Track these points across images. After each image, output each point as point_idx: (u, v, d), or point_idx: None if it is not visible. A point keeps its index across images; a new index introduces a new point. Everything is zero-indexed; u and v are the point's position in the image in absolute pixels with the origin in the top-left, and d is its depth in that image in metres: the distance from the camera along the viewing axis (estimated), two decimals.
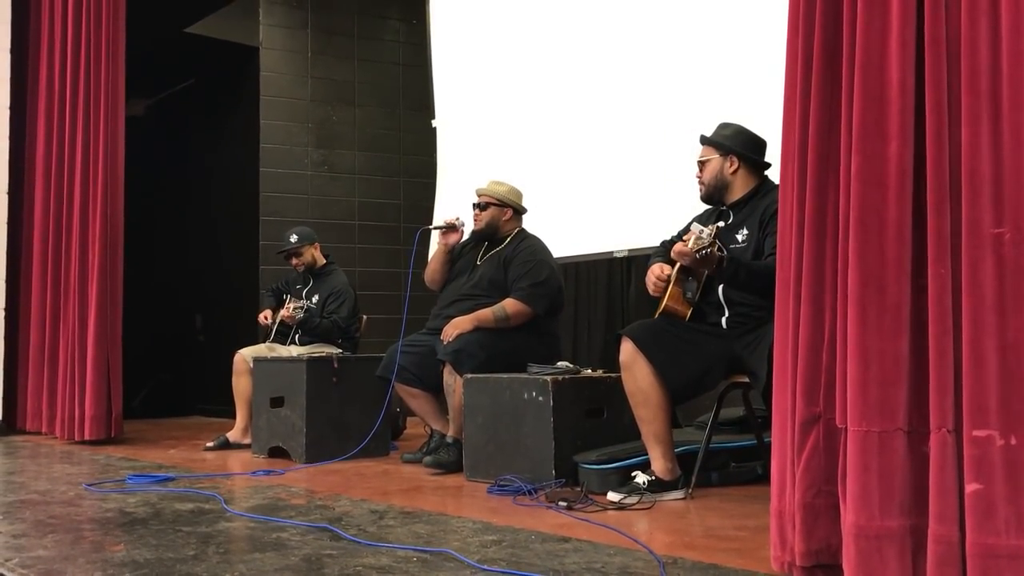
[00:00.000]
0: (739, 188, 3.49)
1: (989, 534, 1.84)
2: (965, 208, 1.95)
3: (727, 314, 3.39)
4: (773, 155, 3.46)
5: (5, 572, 2.42)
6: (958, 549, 1.90)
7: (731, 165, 3.49)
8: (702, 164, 3.54)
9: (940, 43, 2.02)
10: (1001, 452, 1.85)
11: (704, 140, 3.57)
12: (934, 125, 2.01)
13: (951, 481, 1.92)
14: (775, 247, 3.18)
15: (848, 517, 2.01)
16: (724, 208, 3.54)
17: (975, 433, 1.88)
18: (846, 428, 2.06)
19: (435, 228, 4.85)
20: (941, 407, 1.94)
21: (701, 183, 3.55)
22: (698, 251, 3.09)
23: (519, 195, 4.64)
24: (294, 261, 5.56)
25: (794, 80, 2.30)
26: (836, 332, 2.14)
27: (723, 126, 3.57)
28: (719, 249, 3.18)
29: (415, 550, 2.58)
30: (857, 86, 2.11)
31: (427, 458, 4.24)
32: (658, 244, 3.78)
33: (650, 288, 3.50)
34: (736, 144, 3.49)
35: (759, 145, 3.51)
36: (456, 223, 4.68)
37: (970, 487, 1.88)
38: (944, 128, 2.00)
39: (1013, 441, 1.85)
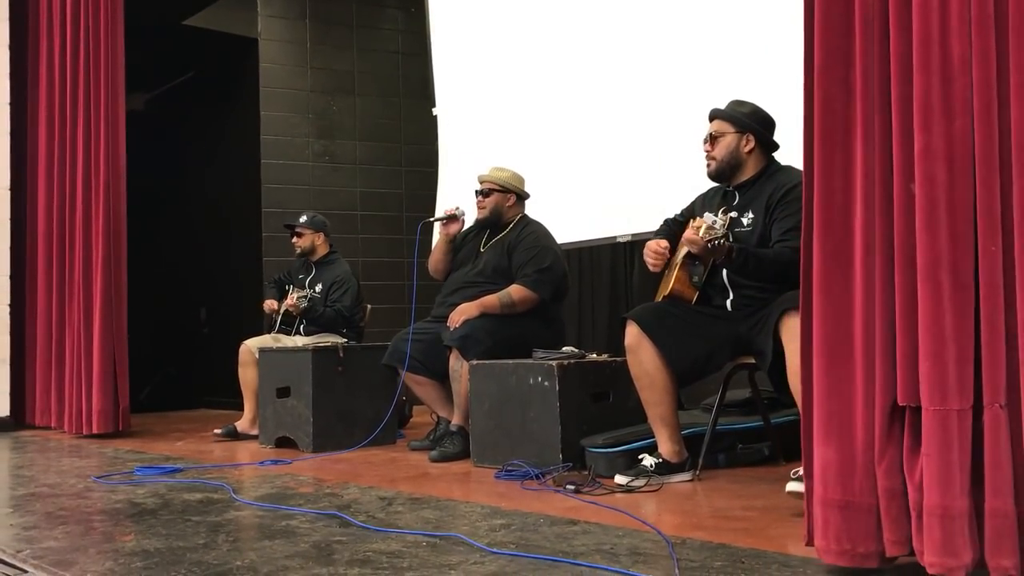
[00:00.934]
0: (750, 168, 3.40)
1: None
2: (1017, 185, 1.93)
3: (731, 296, 3.37)
4: (781, 136, 3.45)
5: (17, 563, 2.43)
6: (1014, 521, 1.91)
7: (747, 143, 3.38)
8: (715, 139, 3.41)
9: (988, 18, 2.00)
10: None
11: (719, 114, 3.45)
12: (983, 101, 1.98)
13: (1005, 455, 1.93)
14: (784, 232, 3.19)
15: (931, 498, 1.97)
16: (730, 189, 3.46)
17: None
18: (919, 407, 2.02)
19: (436, 220, 4.84)
20: (993, 383, 1.94)
21: (711, 158, 3.42)
22: (709, 241, 3.07)
23: (521, 180, 4.64)
24: (294, 240, 5.59)
25: (848, 52, 2.20)
26: (898, 311, 2.08)
27: (739, 103, 3.45)
28: (728, 238, 3.15)
29: (424, 535, 2.59)
30: (916, 61, 2.06)
31: (433, 453, 4.24)
32: (661, 223, 3.73)
33: (648, 262, 3.45)
34: (754, 122, 3.39)
35: (772, 126, 3.42)
36: (456, 212, 4.68)
37: None
38: (994, 104, 1.98)
39: None
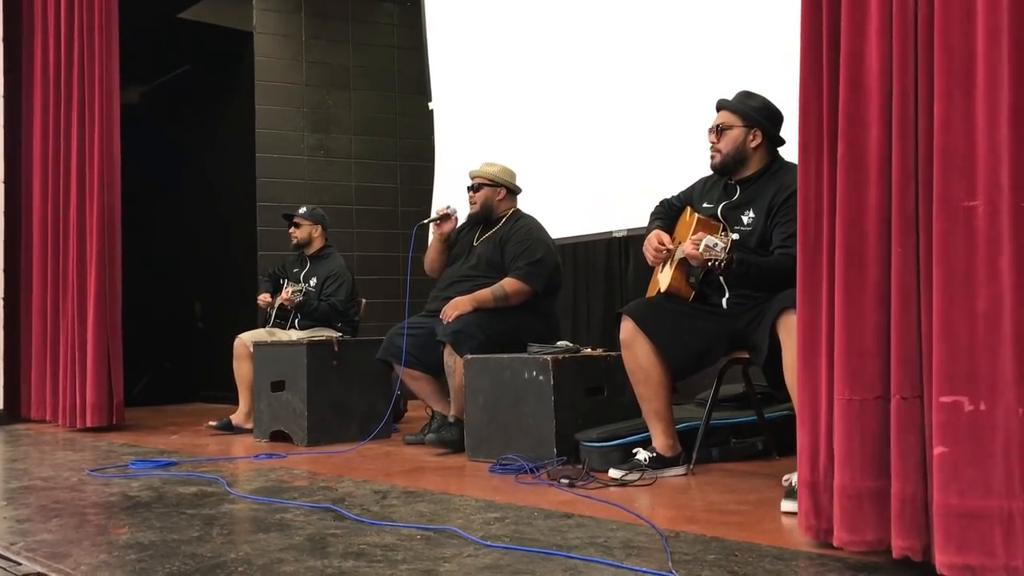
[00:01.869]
0: (754, 164, 3.35)
1: (954, 495, 1.93)
2: (936, 183, 2.00)
3: (727, 295, 3.35)
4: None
5: (11, 556, 2.43)
6: (918, 504, 2.03)
7: (754, 139, 3.32)
8: (721, 131, 3.35)
9: (908, 29, 2.09)
10: (969, 417, 1.92)
11: (727, 105, 3.37)
12: (900, 109, 2.09)
13: (912, 443, 2.05)
14: (786, 238, 3.17)
15: (838, 479, 2.15)
16: (732, 183, 3.40)
17: (942, 399, 1.95)
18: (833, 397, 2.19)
19: (430, 221, 4.81)
20: (900, 376, 2.07)
21: (716, 150, 3.36)
22: (709, 260, 3.05)
23: (512, 174, 4.64)
24: (291, 231, 5.58)
25: (820, 66, 2.31)
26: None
27: (747, 95, 3.38)
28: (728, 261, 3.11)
29: (419, 528, 2.59)
30: (843, 73, 2.19)
31: (430, 435, 4.26)
32: (657, 203, 3.69)
33: (648, 257, 3.44)
34: (763, 117, 3.32)
35: (780, 120, 3.36)
36: (449, 211, 4.68)
37: (937, 450, 1.96)
38: (910, 112, 2.09)
39: (982, 407, 1.92)
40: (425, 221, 4.98)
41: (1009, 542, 1.87)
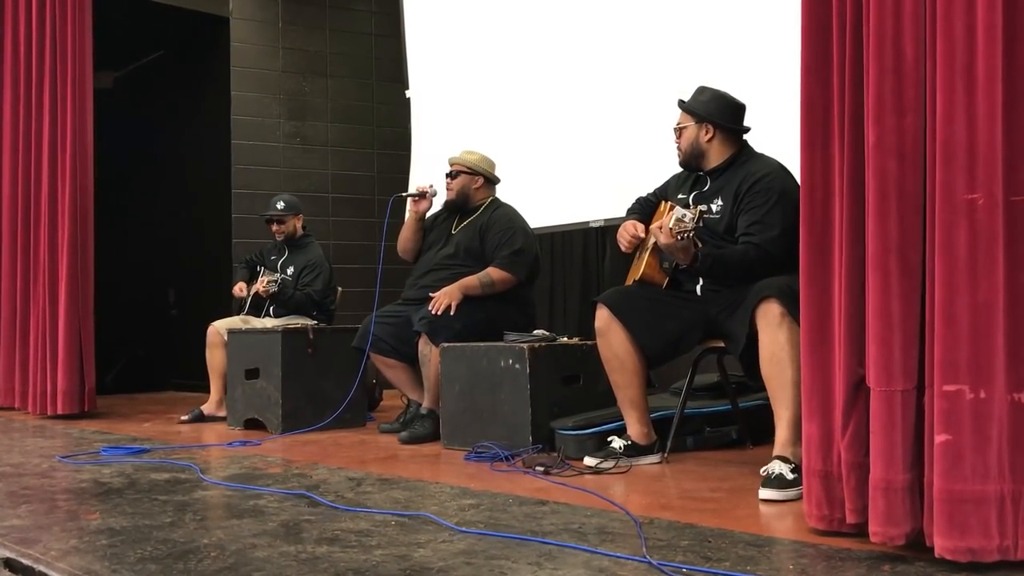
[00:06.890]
0: (715, 156, 3.40)
1: (956, 481, 1.96)
2: (939, 175, 2.01)
3: (701, 282, 3.38)
4: (764, 120, 3.46)
5: None
6: (930, 491, 2.03)
7: (706, 133, 3.39)
8: (679, 130, 3.45)
9: (938, 19, 2.08)
10: (970, 405, 1.96)
11: (681, 105, 3.48)
12: (933, 97, 2.07)
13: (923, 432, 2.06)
14: (750, 224, 3.20)
15: (876, 472, 2.11)
16: (701, 174, 3.47)
17: (945, 388, 1.98)
18: (870, 388, 2.15)
19: (407, 195, 4.80)
20: (933, 365, 2.04)
21: (679, 149, 3.47)
22: (679, 233, 3.07)
23: (491, 164, 4.63)
24: (276, 228, 5.50)
25: (828, 54, 2.30)
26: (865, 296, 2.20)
27: (700, 91, 3.46)
28: (695, 243, 3.13)
29: (393, 514, 2.58)
30: (871, 58, 2.15)
31: (403, 434, 4.24)
32: (634, 201, 3.73)
33: (622, 244, 3.47)
34: (712, 111, 3.38)
35: (737, 110, 3.42)
36: (428, 190, 4.66)
37: (939, 437, 1.98)
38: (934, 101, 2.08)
39: (982, 395, 1.96)
40: (404, 194, 4.93)
41: (1002, 523, 1.95)
